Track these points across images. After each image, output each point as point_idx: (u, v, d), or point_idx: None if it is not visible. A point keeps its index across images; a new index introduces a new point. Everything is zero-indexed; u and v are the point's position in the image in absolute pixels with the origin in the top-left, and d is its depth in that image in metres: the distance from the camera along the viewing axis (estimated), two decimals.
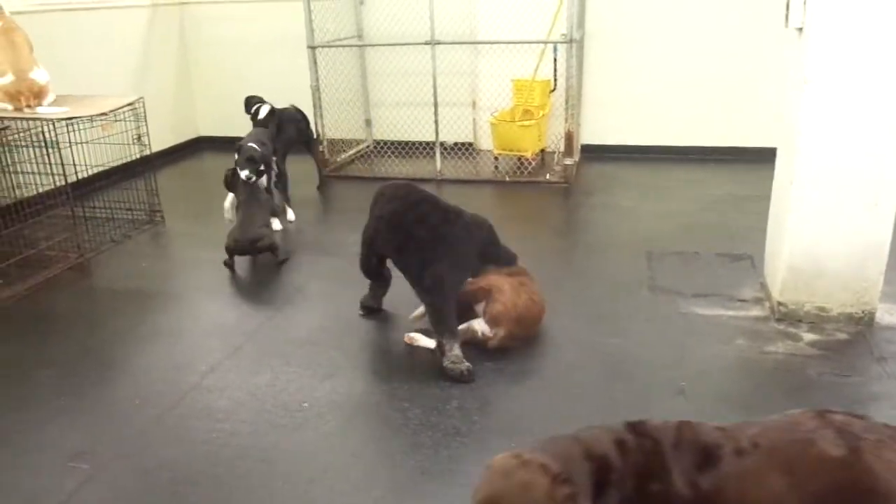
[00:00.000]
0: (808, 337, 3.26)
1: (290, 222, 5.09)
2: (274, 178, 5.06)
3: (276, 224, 4.85)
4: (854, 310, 3.33)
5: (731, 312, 3.52)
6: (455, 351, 3.05)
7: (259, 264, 4.34)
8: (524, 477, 1.43)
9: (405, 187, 3.50)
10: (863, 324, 3.32)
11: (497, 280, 3.31)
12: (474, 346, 3.22)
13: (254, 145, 4.60)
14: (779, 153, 3.53)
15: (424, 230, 3.24)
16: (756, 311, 3.52)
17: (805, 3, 3.05)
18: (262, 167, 4.56)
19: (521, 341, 3.28)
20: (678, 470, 1.51)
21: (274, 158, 5.06)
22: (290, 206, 5.18)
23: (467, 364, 3.03)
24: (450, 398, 2.91)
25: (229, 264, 4.27)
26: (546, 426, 2.71)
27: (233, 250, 4.24)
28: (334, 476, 2.49)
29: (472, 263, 3.38)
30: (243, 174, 4.48)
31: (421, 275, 3.20)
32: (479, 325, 3.25)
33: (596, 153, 6.39)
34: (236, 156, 4.59)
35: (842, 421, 1.54)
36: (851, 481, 1.47)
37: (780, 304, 3.41)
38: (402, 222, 3.30)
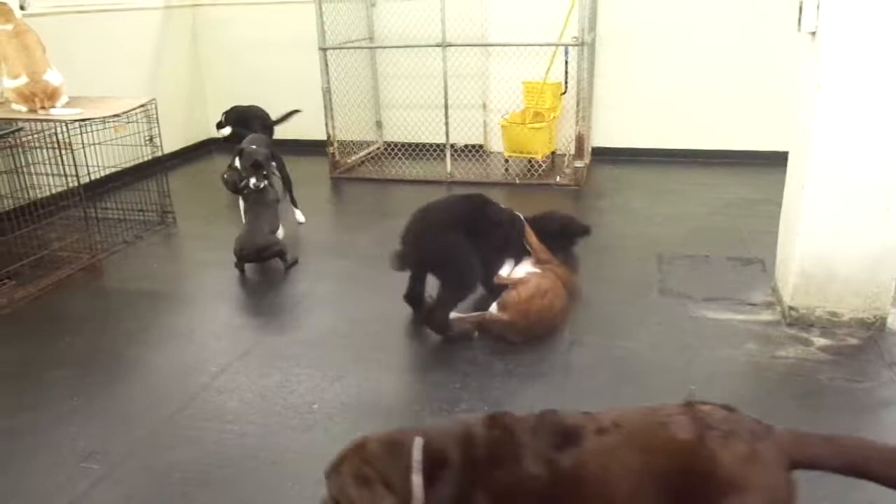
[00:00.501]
0: (820, 342, 3.25)
1: (300, 224, 5.09)
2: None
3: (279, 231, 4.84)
4: (866, 315, 3.31)
5: (741, 316, 3.51)
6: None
7: (269, 267, 4.35)
8: (350, 451, 1.65)
9: (475, 196, 3.71)
10: (874, 329, 3.30)
11: (531, 277, 3.45)
12: (486, 339, 3.27)
13: (257, 148, 4.58)
14: (791, 157, 3.52)
15: (499, 233, 3.58)
16: (767, 316, 3.50)
17: (818, 6, 3.03)
18: (266, 171, 4.51)
19: (523, 338, 3.31)
20: (532, 453, 1.58)
21: (273, 164, 5.03)
22: (297, 207, 5.17)
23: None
24: (459, 400, 2.91)
25: (240, 266, 4.29)
26: None
27: (240, 258, 4.24)
28: None
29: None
30: (252, 182, 4.42)
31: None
32: (492, 307, 3.38)
33: (606, 156, 6.38)
34: (237, 160, 4.54)
35: (704, 411, 1.59)
36: (693, 465, 1.51)
37: (791, 308, 3.39)
38: (485, 227, 3.53)
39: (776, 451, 1.52)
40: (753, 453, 1.51)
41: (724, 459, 1.50)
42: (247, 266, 4.29)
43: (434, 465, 1.59)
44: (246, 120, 6.22)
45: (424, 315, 3.49)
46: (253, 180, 4.43)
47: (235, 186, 4.58)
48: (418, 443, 1.61)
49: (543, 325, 3.36)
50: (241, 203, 4.76)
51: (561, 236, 3.83)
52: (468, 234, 3.41)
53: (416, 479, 1.56)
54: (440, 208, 3.62)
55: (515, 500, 1.59)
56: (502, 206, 3.72)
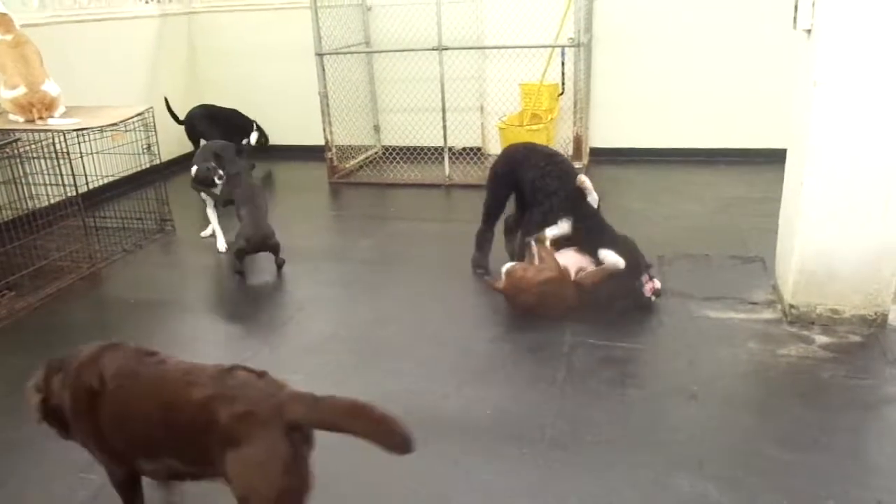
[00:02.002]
0: (821, 339, 3.24)
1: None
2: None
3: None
4: (867, 312, 3.30)
5: (742, 315, 3.51)
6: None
7: (270, 271, 4.35)
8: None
9: (557, 158, 4.03)
10: (875, 326, 3.29)
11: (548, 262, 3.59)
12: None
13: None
14: (789, 155, 3.52)
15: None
16: (768, 314, 3.50)
17: (813, 4, 3.04)
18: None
19: (512, 307, 3.62)
20: (97, 374, 2.05)
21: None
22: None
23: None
24: (461, 404, 2.90)
25: (240, 271, 4.29)
26: (557, 431, 2.70)
27: (245, 250, 4.25)
28: (346, 483, 2.49)
29: None
30: (219, 174, 4.62)
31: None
32: (505, 267, 3.64)
33: (605, 156, 6.38)
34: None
35: (231, 375, 1.95)
36: (199, 420, 1.87)
37: (792, 306, 3.39)
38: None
39: (274, 412, 1.82)
40: (249, 413, 1.83)
41: (222, 418, 1.83)
42: (247, 271, 4.29)
43: (57, 371, 2.15)
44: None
45: None
46: (220, 172, 4.61)
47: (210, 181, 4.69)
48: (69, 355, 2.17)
49: (531, 308, 3.53)
50: (211, 210, 4.87)
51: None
52: (521, 178, 3.92)
53: (54, 381, 2.14)
54: (522, 145, 4.22)
55: (78, 400, 2.07)
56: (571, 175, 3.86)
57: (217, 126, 6.37)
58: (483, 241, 4.18)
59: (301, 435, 1.87)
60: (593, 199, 3.76)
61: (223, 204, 4.70)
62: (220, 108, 6.58)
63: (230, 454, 1.83)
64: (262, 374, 1.96)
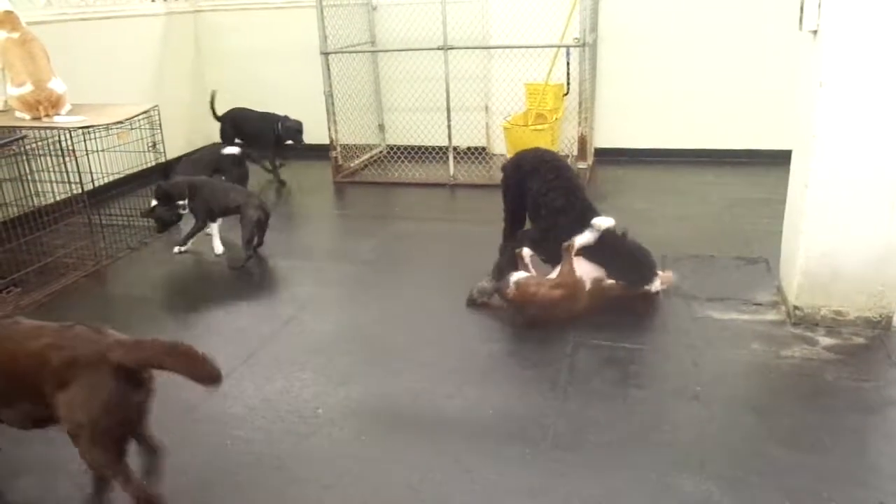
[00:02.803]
0: (825, 341, 3.23)
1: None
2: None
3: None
4: (871, 313, 3.29)
5: (746, 316, 3.50)
6: None
7: (272, 272, 4.36)
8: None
9: (563, 170, 3.93)
10: (880, 327, 3.28)
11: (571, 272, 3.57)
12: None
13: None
14: (794, 156, 3.51)
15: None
16: (772, 315, 3.49)
17: (819, 5, 3.03)
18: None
19: (521, 316, 3.54)
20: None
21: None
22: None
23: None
24: (463, 405, 2.90)
25: (249, 257, 4.39)
26: (559, 431, 2.70)
27: (262, 220, 4.49)
28: (349, 482, 2.50)
29: None
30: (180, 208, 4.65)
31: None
32: (513, 278, 3.55)
33: (609, 157, 6.37)
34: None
35: (68, 329, 2.23)
36: (36, 366, 2.15)
37: (796, 307, 3.38)
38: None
39: (97, 356, 2.12)
40: (75, 358, 2.12)
41: (54, 362, 2.12)
42: (250, 269, 4.30)
43: None
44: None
45: None
46: (177, 203, 4.62)
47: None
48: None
49: (538, 318, 3.49)
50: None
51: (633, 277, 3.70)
52: (528, 182, 3.85)
53: None
54: (532, 153, 4.07)
55: None
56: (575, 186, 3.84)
57: (240, 131, 6.36)
58: (507, 257, 3.88)
59: (133, 379, 2.16)
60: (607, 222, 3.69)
61: (207, 216, 4.71)
62: (251, 111, 6.48)
63: (60, 395, 2.13)
64: (97, 329, 2.23)
